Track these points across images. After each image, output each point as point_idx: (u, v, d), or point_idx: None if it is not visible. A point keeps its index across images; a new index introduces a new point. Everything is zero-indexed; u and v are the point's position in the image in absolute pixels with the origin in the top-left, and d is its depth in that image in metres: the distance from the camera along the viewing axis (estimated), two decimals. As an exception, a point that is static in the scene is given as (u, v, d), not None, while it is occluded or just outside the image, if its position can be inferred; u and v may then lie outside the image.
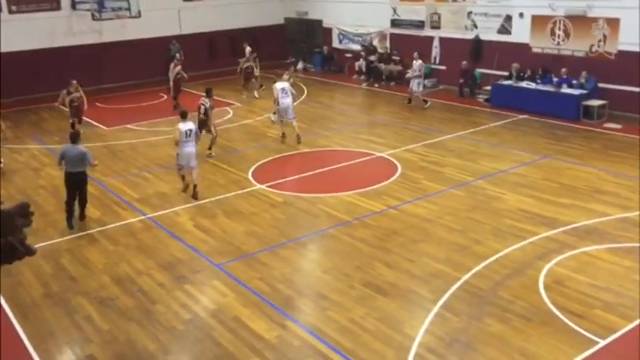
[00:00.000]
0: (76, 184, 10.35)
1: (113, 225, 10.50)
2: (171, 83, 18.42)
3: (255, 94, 20.08)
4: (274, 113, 15.34)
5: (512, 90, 17.53)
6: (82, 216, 10.68)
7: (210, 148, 14.00)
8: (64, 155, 10.25)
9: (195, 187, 11.50)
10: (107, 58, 21.87)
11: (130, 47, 22.27)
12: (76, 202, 10.49)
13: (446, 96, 19.55)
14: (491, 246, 9.13)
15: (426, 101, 18.22)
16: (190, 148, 11.34)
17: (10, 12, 20.53)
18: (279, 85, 14.96)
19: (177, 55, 19.92)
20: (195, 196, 11.46)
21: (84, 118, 16.33)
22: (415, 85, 18.25)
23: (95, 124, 17.45)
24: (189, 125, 11.45)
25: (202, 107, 13.75)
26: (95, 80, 21.04)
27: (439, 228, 9.88)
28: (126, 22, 21.74)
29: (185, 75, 18.39)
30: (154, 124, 17.18)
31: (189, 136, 11.32)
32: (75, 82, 16.09)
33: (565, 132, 15.27)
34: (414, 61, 18.26)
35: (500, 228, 9.78)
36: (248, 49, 20.72)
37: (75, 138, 10.41)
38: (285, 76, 16.17)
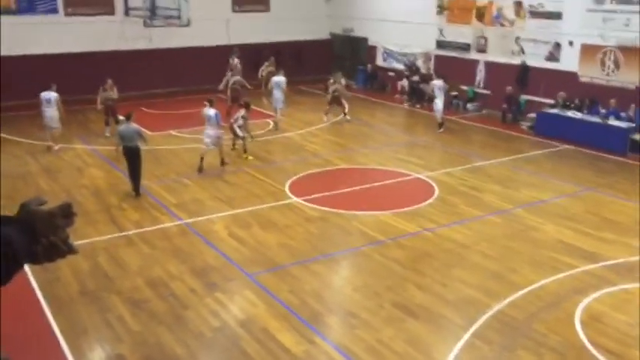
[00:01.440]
0: (130, 156, 12.11)
1: (150, 228, 10.70)
2: (228, 92, 18.74)
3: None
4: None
5: (558, 119, 17.25)
6: (136, 189, 12.20)
7: (245, 152, 14.96)
8: (121, 133, 12.25)
9: (222, 160, 14.14)
10: (155, 63, 22.42)
11: (178, 54, 22.80)
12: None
13: (489, 121, 19.38)
14: (527, 276, 8.97)
15: (440, 125, 17.93)
16: (210, 130, 13.71)
17: (67, 14, 21.29)
18: (275, 78, 18.40)
19: (232, 60, 20.21)
20: (222, 163, 14.13)
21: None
22: (435, 105, 18.12)
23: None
24: (211, 111, 13.69)
25: (238, 117, 15.02)
26: (143, 85, 21.57)
27: (474, 254, 9.75)
28: (175, 29, 22.28)
29: (239, 87, 18.74)
30: (196, 132, 17.47)
31: (210, 120, 13.65)
32: (110, 81, 16.84)
33: (610, 165, 14.93)
34: (434, 82, 18.38)
35: (538, 258, 9.60)
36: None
37: (129, 117, 12.28)
38: (331, 82, 19.49)
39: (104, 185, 12.94)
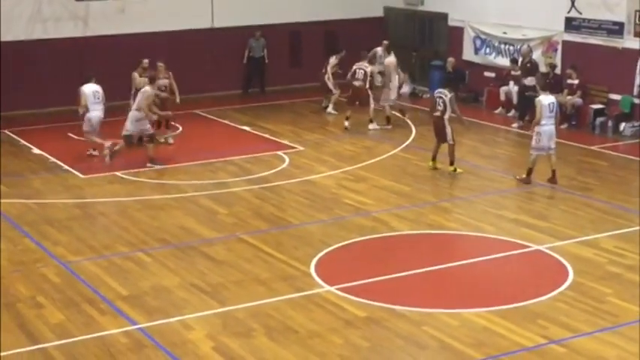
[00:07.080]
0: None
1: (81, 337, 10.74)
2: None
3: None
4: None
5: None
6: None
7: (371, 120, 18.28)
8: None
9: (554, 172, 17.10)
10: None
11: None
12: None
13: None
14: None
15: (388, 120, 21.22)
16: (552, 126, 16.93)
17: None
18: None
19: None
20: (553, 181, 17.15)
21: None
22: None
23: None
24: (551, 98, 17.01)
25: (361, 72, 18.81)
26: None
27: (639, 385, 9.67)
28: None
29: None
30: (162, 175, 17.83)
31: (552, 111, 16.84)
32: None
33: None
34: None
35: None
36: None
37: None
38: None
39: (5, 263, 13.13)
